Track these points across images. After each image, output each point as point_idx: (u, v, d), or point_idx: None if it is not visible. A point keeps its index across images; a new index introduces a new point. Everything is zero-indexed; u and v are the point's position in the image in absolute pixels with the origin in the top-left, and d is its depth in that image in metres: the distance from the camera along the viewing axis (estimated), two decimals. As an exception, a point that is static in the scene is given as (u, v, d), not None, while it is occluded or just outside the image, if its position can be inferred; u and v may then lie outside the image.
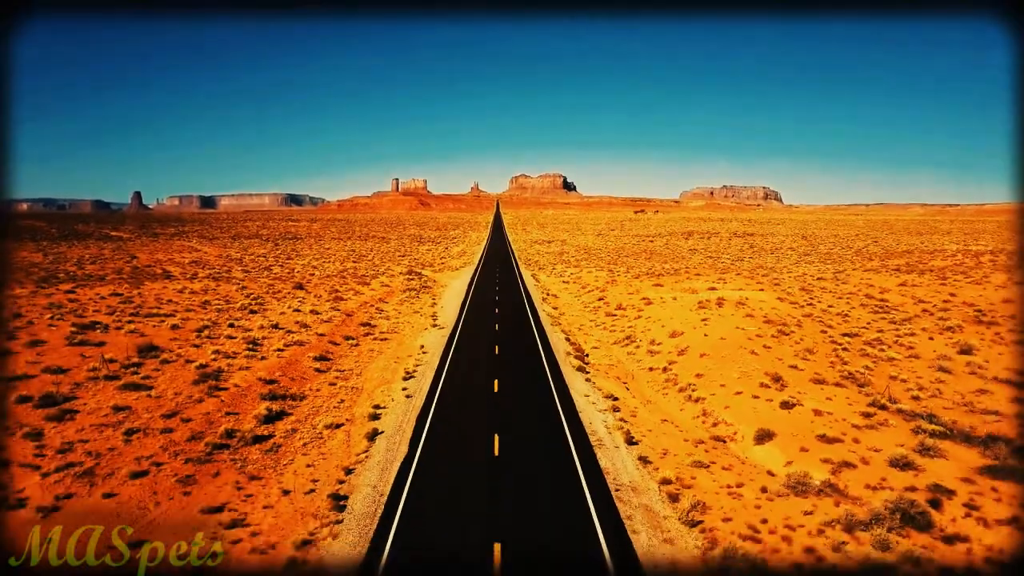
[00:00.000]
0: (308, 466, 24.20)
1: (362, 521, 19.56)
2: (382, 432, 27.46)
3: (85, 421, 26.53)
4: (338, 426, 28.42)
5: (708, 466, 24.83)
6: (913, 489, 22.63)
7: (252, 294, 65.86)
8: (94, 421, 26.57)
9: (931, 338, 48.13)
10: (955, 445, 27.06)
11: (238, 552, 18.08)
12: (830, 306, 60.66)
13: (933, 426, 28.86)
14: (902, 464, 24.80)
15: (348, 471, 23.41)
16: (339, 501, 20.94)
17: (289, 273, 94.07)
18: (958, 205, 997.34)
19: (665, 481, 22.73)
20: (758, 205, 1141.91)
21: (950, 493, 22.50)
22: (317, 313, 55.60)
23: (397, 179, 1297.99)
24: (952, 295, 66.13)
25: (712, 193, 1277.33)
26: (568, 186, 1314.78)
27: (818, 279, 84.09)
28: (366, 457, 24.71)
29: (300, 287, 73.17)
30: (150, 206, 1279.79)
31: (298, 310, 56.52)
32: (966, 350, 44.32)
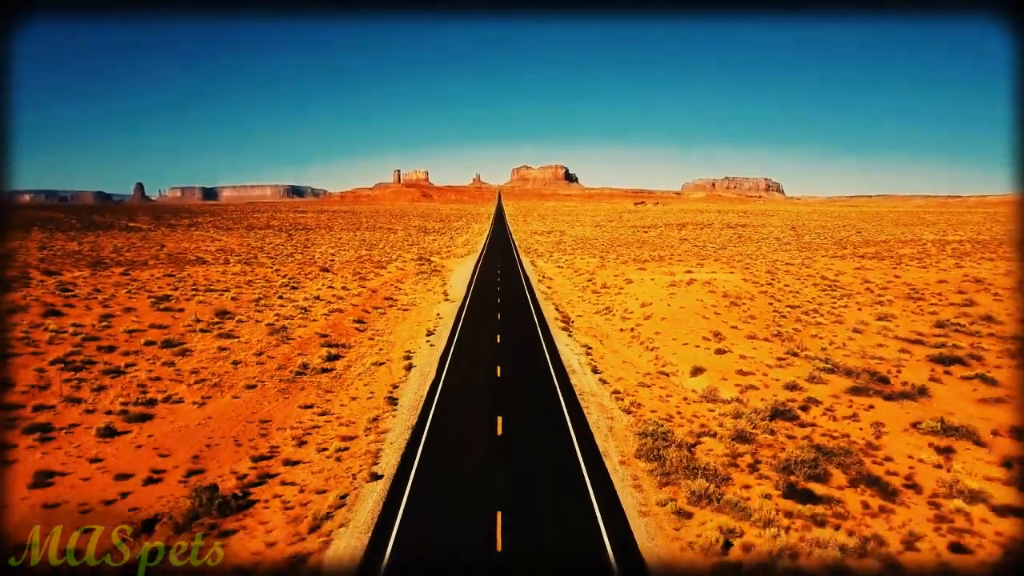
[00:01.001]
0: (365, 385, 34.12)
1: (410, 410, 29.50)
2: (415, 366, 37.42)
3: (201, 356, 36.56)
4: (381, 364, 38.33)
5: (650, 387, 34.74)
6: (792, 400, 32.53)
7: (287, 275, 75.89)
8: (207, 356, 36.60)
9: (859, 309, 57.90)
10: (838, 377, 36.85)
11: (330, 427, 27.96)
12: (786, 285, 70.45)
13: (826, 365, 38.73)
14: (792, 387, 34.65)
15: (395, 386, 33.33)
16: (392, 401, 30.86)
17: (311, 259, 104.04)
18: (960, 196, 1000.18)
19: (616, 392, 32.66)
20: (759, 197, 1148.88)
21: (818, 403, 32.40)
22: (347, 289, 65.60)
23: (399, 170, 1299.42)
24: (896, 276, 75.90)
25: (713, 185, 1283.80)
26: (570, 178, 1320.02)
27: (787, 264, 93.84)
28: (406, 379, 34.66)
29: (326, 270, 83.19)
30: (153, 197, 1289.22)
31: (331, 287, 66.56)
32: (883, 318, 54.15)
